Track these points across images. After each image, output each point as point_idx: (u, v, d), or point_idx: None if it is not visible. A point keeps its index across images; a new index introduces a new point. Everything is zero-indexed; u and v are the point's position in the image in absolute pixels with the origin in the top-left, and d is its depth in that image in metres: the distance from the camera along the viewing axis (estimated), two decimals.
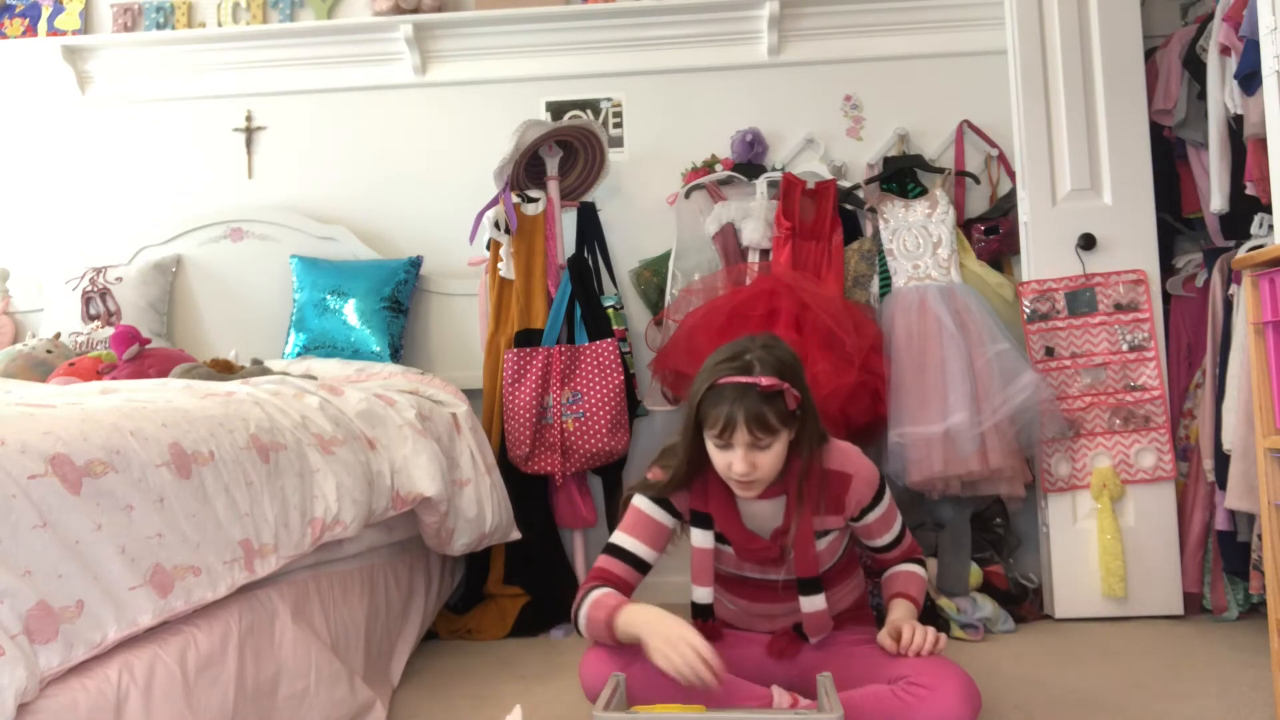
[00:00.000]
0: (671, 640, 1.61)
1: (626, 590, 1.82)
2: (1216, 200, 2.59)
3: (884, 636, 1.78)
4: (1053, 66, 2.83)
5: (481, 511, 2.43)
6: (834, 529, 1.84)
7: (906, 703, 1.63)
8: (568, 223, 3.11)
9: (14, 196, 3.51)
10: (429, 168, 3.41)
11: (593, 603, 1.75)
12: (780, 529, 1.79)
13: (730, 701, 1.70)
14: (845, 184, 3.10)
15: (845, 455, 1.84)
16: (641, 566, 1.85)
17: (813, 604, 1.80)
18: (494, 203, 2.97)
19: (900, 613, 1.84)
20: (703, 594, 1.83)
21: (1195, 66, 2.71)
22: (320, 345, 3.08)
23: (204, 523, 1.50)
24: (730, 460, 1.70)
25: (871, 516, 1.86)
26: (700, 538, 1.82)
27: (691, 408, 1.74)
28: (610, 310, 3.02)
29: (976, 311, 2.80)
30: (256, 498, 1.66)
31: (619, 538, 1.85)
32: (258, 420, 1.77)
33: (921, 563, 1.97)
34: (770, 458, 1.70)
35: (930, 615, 2.58)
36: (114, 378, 2.34)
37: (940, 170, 3.10)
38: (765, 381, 1.66)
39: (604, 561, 1.84)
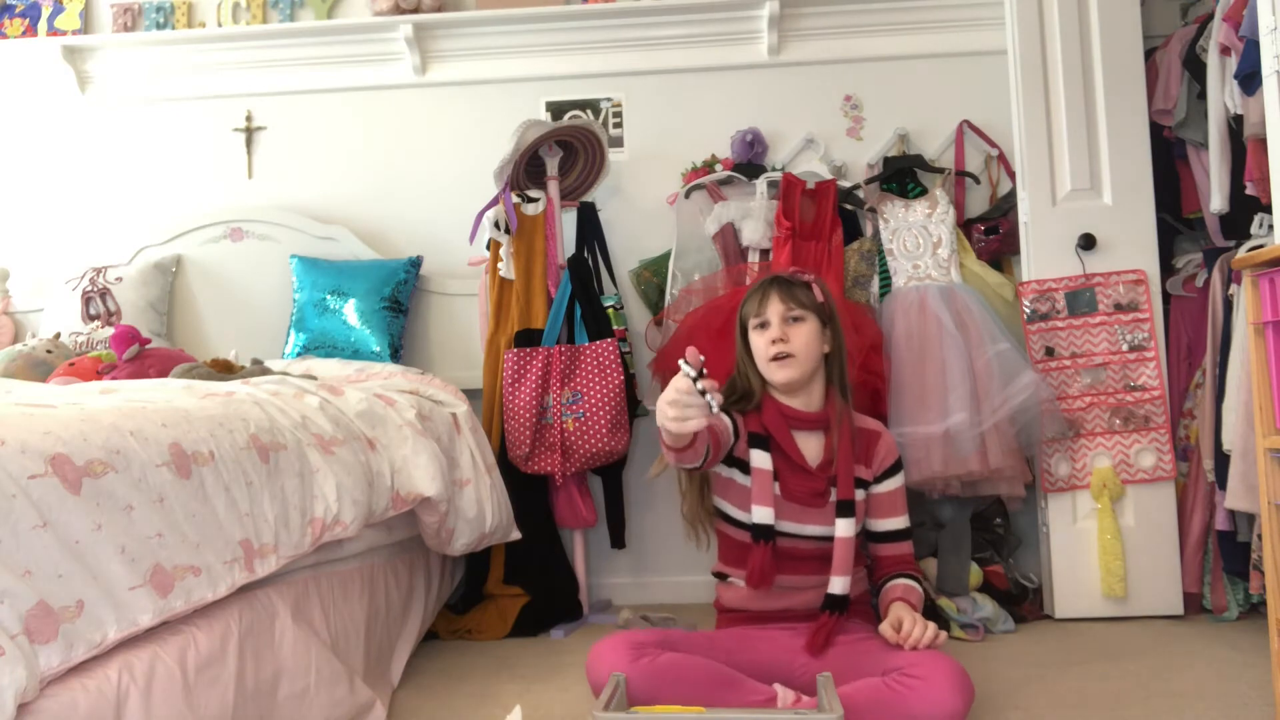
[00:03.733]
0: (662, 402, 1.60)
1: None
2: (1216, 200, 2.59)
3: (886, 627, 1.85)
4: (1053, 66, 2.83)
5: (481, 511, 2.43)
6: (864, 481, 1.99)
7: (899, 693, 1.65)
8: (568, 223, 3.11)
9: (14, 196, 3.51)
10: (429, 168, 3.41)
11: None
12: (824, 460, 1.95)
13: (734, 699, 1.71)
14: (845, 184, 3.10)
15: (872, 421, 2.09)
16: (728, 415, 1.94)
17: (847, 528, 1.91)
18: (494, 203, 2.97)
19: (903, 609, 1.90)
20: (764, 514, 1.91)
21: (1195, 66, 2.71)
22: (320, 345, 3.08)
23: (204, 523, 1.50)
24: (768, 338, 1.93)
25: (888, 485, 2.02)
26: (760, 458, 1.94)
27: (740, 316, 2.01)
28: (610, 310, 3.02)
29: (976, 311, 2.80)
30: (256, 498, 1.66)
31: None
32: (258, 420, 1.77)
33: (918, 580, 2.02)
34: (802, 333, 1.94)
35: (930, 615, 2.58)
36: (114, 378, 2.34)
37: (940, 170, 3.10)
38: (793, 269, 2.01)
39: None
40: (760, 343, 1.95)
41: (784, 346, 1.92)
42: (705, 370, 1.55)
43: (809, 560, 1.94)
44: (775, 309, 1.94)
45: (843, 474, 1.93)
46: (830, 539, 1.93)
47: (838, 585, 1.90)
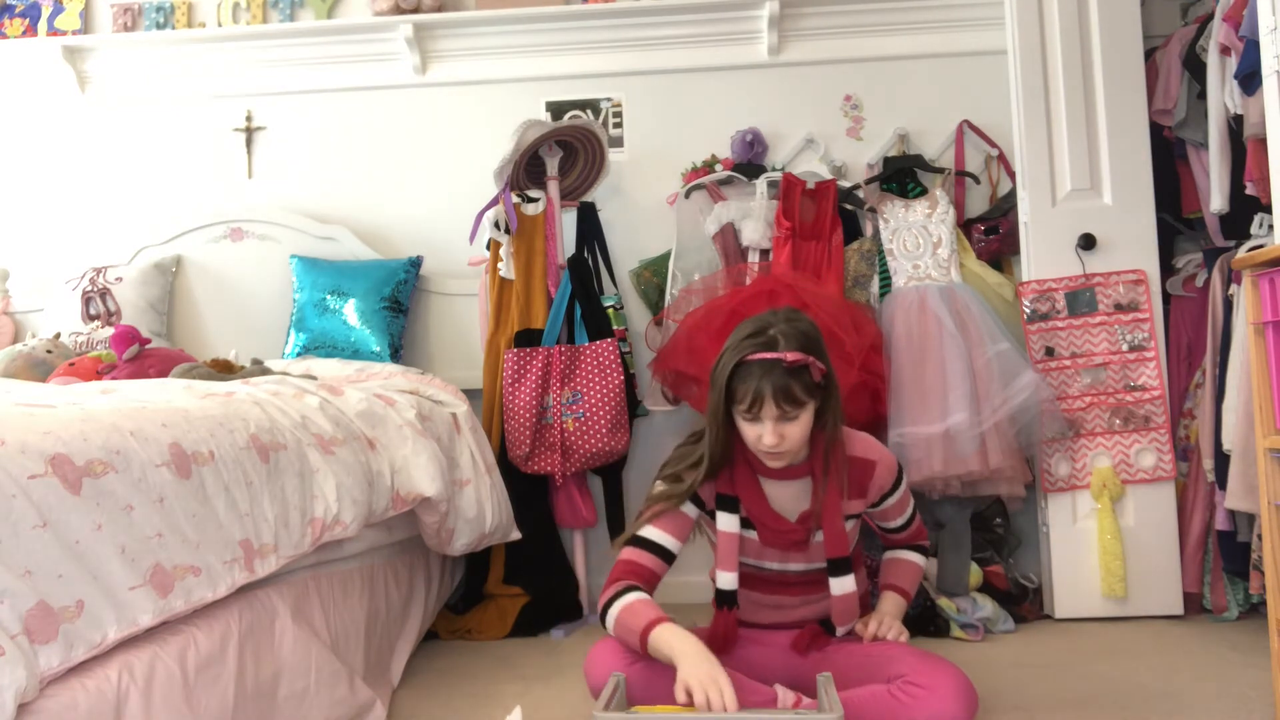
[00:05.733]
0: (703, 680, 1.57)
1: (654, 581, 1.84)
2: (1216, 200, 2.59)
3: (859, 625, 1.89)
4: (1053, 66, 2.83)
5: (481, 511, 2.43)
6: (856, 514, 1.90)
7: (903, 702, 1.64)
8: (568, 223, 3.11)
9: (14, 196, 3.51)
10: (429, 168, 3.41)
11: (626, 608, 1.75)
12: (807, 512, 1.83)
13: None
14: (845, 184, 3.10)
15: (866, 443, 1.90)
16: (667, 556, 1.85)
17: (843, 585, 1.82)
18: (494, 203, 2.97)
19: (887, 605, 1.94)
20: (728, 579, 1.83)
21: (1195, 66, 2.71)
22: (320, 345, 3.08)
23: (204, 523, 1.50)
24: (760, 432, 1.74)
25: (890, 501, 1.94)
26: (727, 522, 1.84)
27: (720, 386, 1.77)
28: (610, 310, 3.02)
29: (976, 311, 2.80)
30: (256, 498, 1.66)
31: (645, 530, 1.86)
32: (258, 420, 1.77)
33: (923, 550, 2.03)
34: (798, 428, 1.75)
35: (930, 615, 2.59)
36: (114, 378, 2.34)
37: (940, 170, 3.10)
38: (791, 357, 1.70)
39: (630, 554, 1.84)
40: (750, 432, 1.78)
41: (777, 446, 1.75)
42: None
43: (798, 585, 1.90)
44: (769, 412, 1.72)
45: (831, 534, 1.81)
46: (817, 570, 1.86)
47: (842, 631, 1.88)
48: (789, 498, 1.86)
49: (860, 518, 1.94)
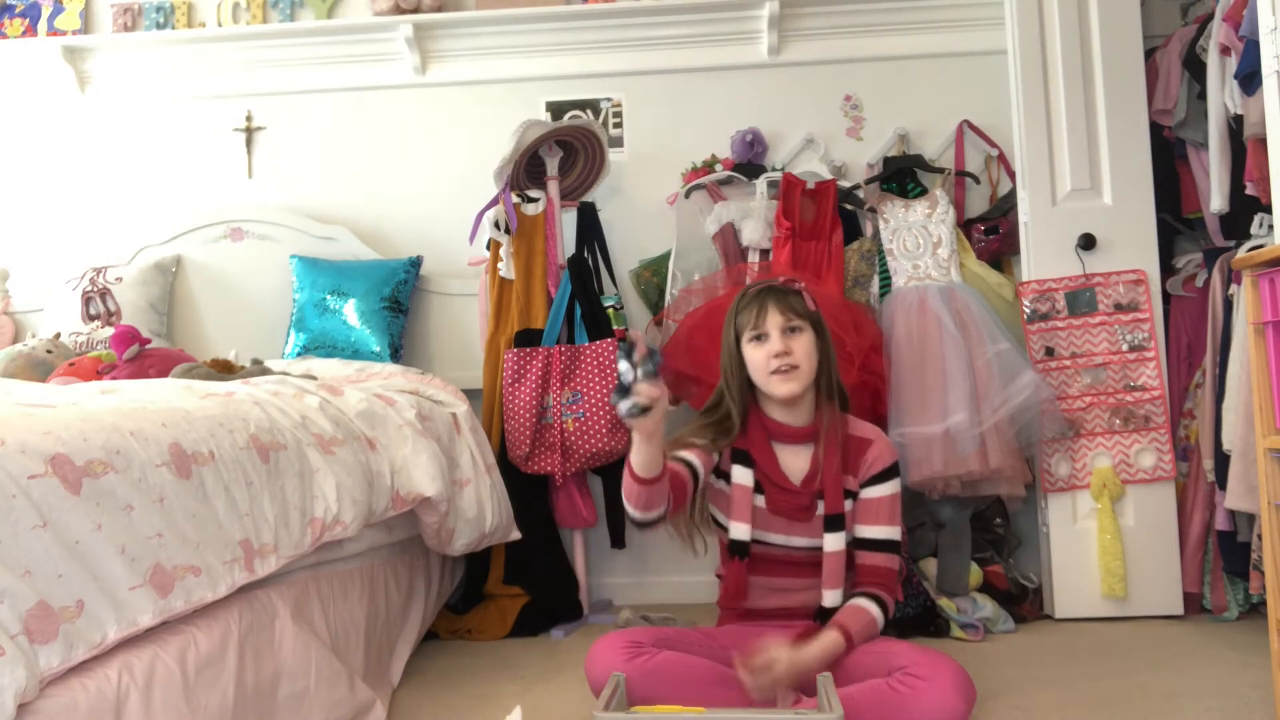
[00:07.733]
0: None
1: (676, 477, 1.80)
2: (1216, 200, 2.59)
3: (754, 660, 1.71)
4: (1053, 66, 2.83)
5: (481, 511, 2.43)
6: (852, 492, 1.94)
7: (902, 694, 1.66)
8: (568, 223, 3.11)
9: (14, 196, 3.51)
10: (429, 168, 3.41)
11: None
12: (810, 474, 1.92)
13: (734, 698, 1.72)
14: (845, 184, 3.10)
15: (866, 426, 2.01)
16: (684, 461, 1.86)
17: (835, 541, 1.89)
18: (494, 203, 2.97)
19: (814, 648, 1.76)
20: (741, 530, 1.90)
21: (1195, 66, 2.71)
22: (320, 345, 3.08)
23: (204, 523, 1.50)
24: (768, 350, 1.89)
25: (875, 491, 1.94)
26: (741, 475, 1.92)
27: (730, 325, 1.96)
28: (610, 310, 3.02)
29: (976, 311, 2.80)
30: (256, 498, 1.66)
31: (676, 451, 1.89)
32: (258, 420, 1.77)
33: (885, 607, 1.88)
34: (803, 344, 1.90)
35: (930, 615, 2.59)
36: (114, 378, 2.34)
37: (940, 170, 3.10)
38: (783, 278, 1.96)
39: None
40: (759, 356, 1.90)
41: (787, 359, 1.87)
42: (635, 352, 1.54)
43: (803, 565, 1.93)
44: (774, 320, 1.88)
45: (829, 489, 1.89)
46: (819, 549, 1.91)
47: (829, 598, 1.89)
48: (796, 465, 1.95)
49: (855, 498, 1.95)
